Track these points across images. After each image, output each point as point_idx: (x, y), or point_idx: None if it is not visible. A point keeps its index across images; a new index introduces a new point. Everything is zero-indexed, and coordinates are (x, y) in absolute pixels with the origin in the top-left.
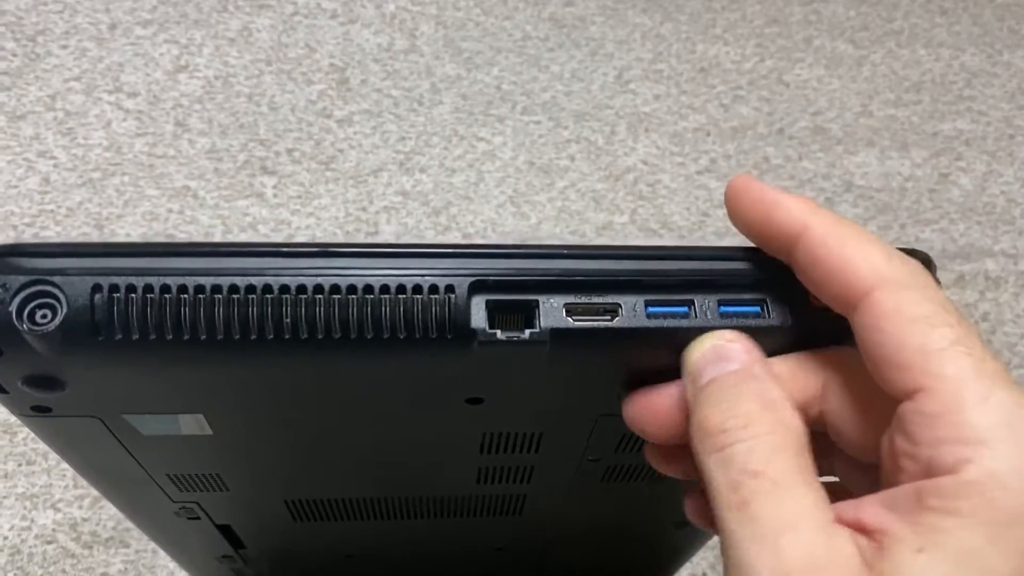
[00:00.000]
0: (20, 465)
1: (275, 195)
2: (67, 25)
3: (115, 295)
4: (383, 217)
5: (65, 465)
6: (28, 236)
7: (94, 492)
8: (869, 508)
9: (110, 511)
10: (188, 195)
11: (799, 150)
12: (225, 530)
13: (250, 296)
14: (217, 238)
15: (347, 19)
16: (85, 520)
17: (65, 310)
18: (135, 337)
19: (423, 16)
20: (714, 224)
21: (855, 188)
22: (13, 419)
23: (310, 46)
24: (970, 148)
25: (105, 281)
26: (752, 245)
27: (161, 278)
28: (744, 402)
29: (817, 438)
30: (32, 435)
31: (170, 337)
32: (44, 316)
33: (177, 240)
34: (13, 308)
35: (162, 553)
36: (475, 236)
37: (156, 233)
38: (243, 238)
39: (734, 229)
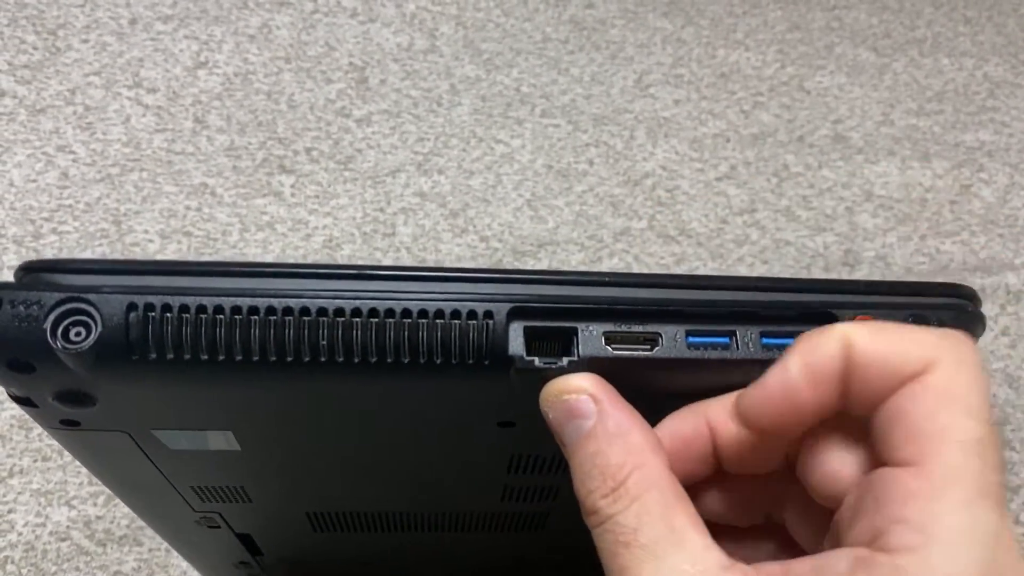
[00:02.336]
0: (35, 461)
1: (293, 194)
2: (88, 19)
3: (150, 314)
4: (400, 218)
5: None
6: (46, 231)
7: (109, 490)
8: (798, 568)
9: (124, 509)
10: (206, 192)
11: (819, 158)
12: (244, 538)
13: (287, 318)
14: (234, 236)
15: (367, 18)
16: (99, 518)
17: (100, 328)
18: (169, 356)
19: (443, 16)
20: (732, 231)
21: (875, 198)
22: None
23: (330, 44)
24: (992, 160)
25: (140, 300)
26: (791, 276)
27: (197, 298)
28: (607, 476)
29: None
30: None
31: (205, 357)
32: (78, 334)
33: (208, 260)
34: (47, 325)
35: (175, 552)
36: (492, 239)
37: (173, 230)
38: (260, 237)
39: (753, 236)
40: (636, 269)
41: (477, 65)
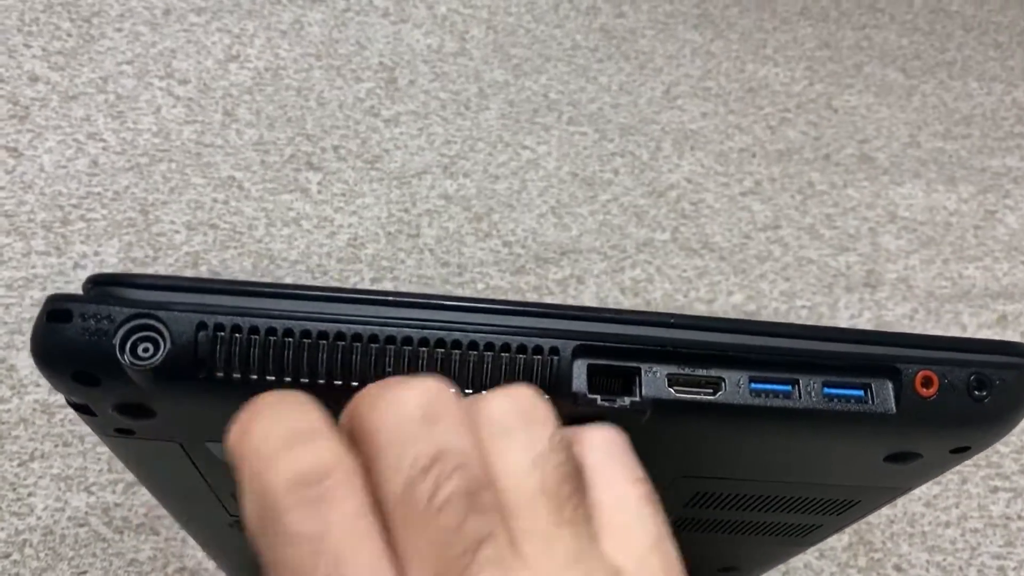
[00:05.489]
0: (56, 446)
1: (319, 191)
2: (122, 8)
3: (219, 334)
4: (425, 220)
5: (101, 448)
6: (75, 217)
7: (128, 478)
8: None
9: (142, 498)
10: (233, 186)
11: (844, 177)
12: None
13: (355, 344)
14: (260, 231)
15: (398, 18)
16: (118, 505)
17: (168, 345)
18: (236, 376)
19: (474, 19)
20: (755, 247)
21: (899, 219)
22: (52, 399)
23: (360, 43)
24: (1018, 186)
25: (211, 319)
26: (859, 327)
27: (268, 320)
28: None
29: None
30: (70, 417)
31: (271, 378)
32: (146, 350)
33: (276, 282)
34: (117, 340)
35: (191, 542)
36: (515, 244)
37: (200, 222)
38: (286, 233)
39: (776, 253)
40: (657, 280)
41: (506, 70)
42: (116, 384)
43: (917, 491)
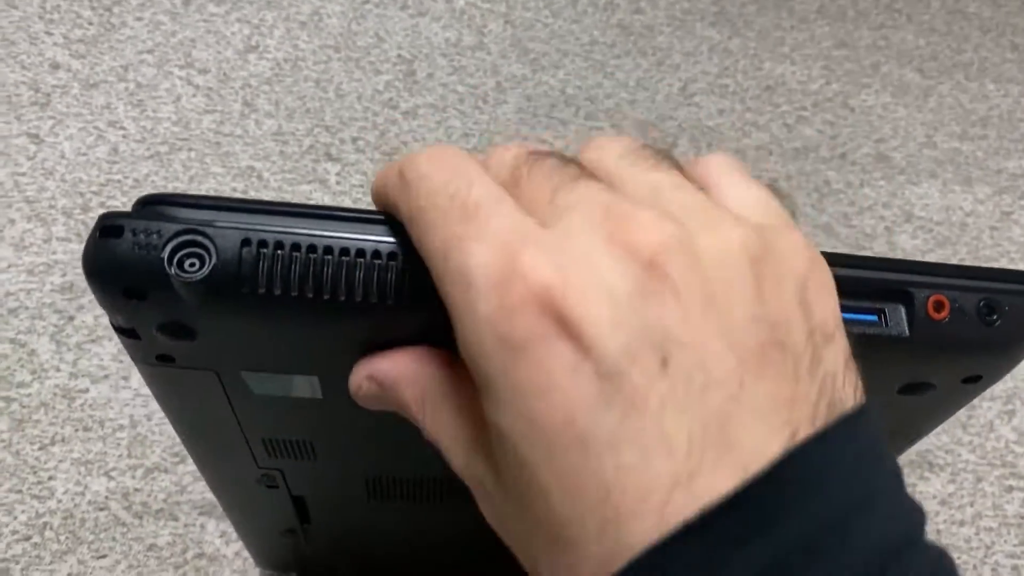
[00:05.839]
0: (77, 431)
1: (338, 182)
2: None
3: (263, 250)
4: None
5: (121, 434)
6: (95, 204)
7: (148, 463)
8: None
9: (163, 483)
10: (252, 176)
11: (861, 176)
12: (298, 502)
13: (391, 263)
14: None
15: (417, 11)
16: (137, 490)
17: (214, 260)
18: (277, 292)
19: (492, 14)
20: None
21: (915, 219)
22: (72, 384)
23: (379, 36)
24: None
25: (255, 236)
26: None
27: (309, 237)
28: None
29: None
30: (90, 401)
31: (310, 296)
32: (193, 264)
33: (321, 204)
34: (165, 255)
35: (210, 528)
36: None
37: None
38: None
39: None
40: None
41: (524, 64)
42: (162, 300)
43: (931, 489)
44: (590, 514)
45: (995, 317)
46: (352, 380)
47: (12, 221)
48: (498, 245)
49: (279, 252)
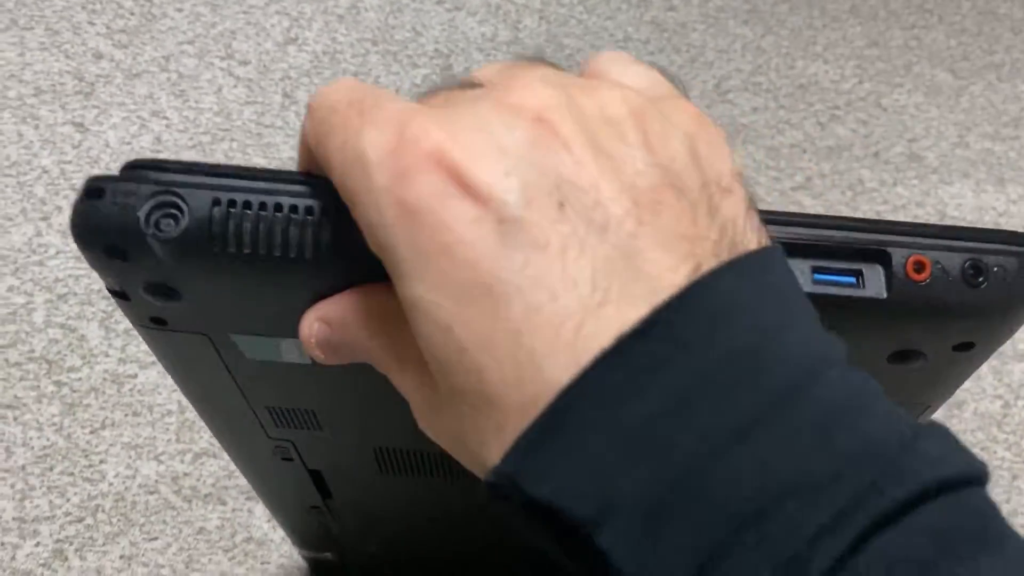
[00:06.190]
0: (127, 415)
1: None
2: None
3: (232, 209)
4: None
5: (169, 419)
6: None
7: (196, 448)
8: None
9: (211, 468)
10: (292, 167)
11: (894, 175)
12: (315, 475)
13: (341, 219)
14: None
15: (453, 6)
16: (186, 475)
17: (187, 220)
18: (246, 251)
19: (527, 9)
20: None
21: (948, 218)
22: (121, 370)
23: (416, 30)
24: None
25: (225, 196)
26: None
27: (275, 197)
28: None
29: None
30: (139, 387)
31: (278, 254)
32: (168, 224)
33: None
34: (142, 215)
35: (258, 512)
36: None
37: None
38: None
39: None
40: None
41: (558, 59)
42: (143, 259)
43: None
44: (507, 360)
45: (981, 279)
46: (302, 329)
47: (59, 208)
48: (391, 124)
49: (247, 211)
